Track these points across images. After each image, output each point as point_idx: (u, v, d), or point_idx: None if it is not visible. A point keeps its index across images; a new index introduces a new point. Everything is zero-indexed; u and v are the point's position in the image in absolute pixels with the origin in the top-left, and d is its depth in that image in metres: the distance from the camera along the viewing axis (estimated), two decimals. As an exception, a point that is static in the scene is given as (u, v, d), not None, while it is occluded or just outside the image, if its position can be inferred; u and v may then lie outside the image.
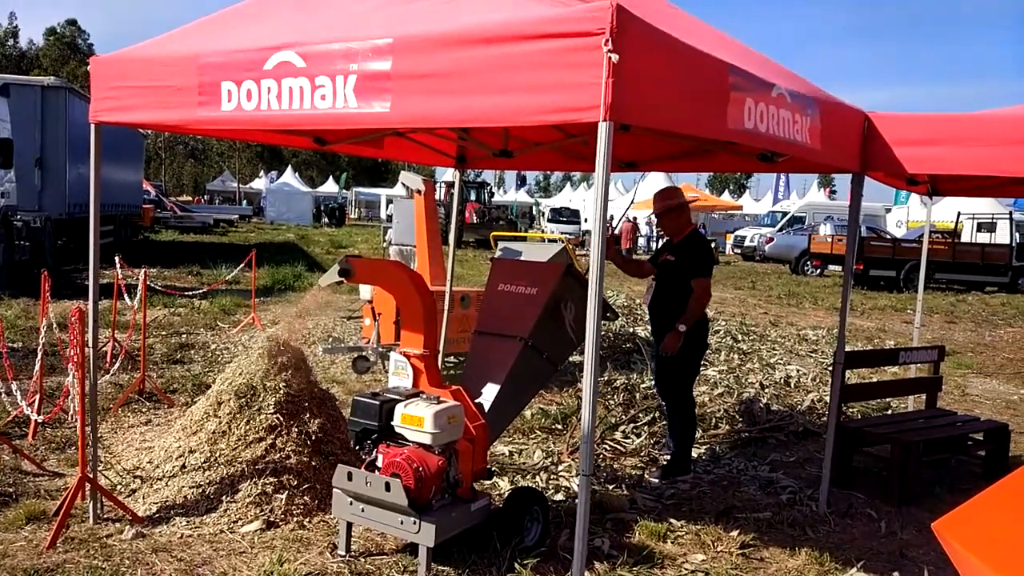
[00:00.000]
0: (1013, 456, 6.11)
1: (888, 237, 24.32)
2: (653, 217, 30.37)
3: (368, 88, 3.13)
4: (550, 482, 5.17)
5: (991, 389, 9.11)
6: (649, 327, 9.84)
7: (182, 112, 3.73)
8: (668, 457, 5.67)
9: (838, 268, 23.77)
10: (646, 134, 4.31)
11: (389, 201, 34.44)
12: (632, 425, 6.36)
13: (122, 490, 4.64)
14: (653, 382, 7.40)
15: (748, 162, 4.71)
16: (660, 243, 33.81)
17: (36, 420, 5.51)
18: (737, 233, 34.16)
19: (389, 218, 26.39)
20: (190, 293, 11.55)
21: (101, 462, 4.69)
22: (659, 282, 5.60)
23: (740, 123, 3.41)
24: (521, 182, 52.29)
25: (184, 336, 9.69)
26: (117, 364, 7.11)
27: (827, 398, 7.07)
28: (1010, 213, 23.58)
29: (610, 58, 2.65)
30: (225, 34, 3.79)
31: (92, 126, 4.10)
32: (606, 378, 7.38)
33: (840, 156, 4.37)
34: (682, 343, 5.36)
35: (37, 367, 5.60)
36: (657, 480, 5.38)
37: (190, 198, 53.89)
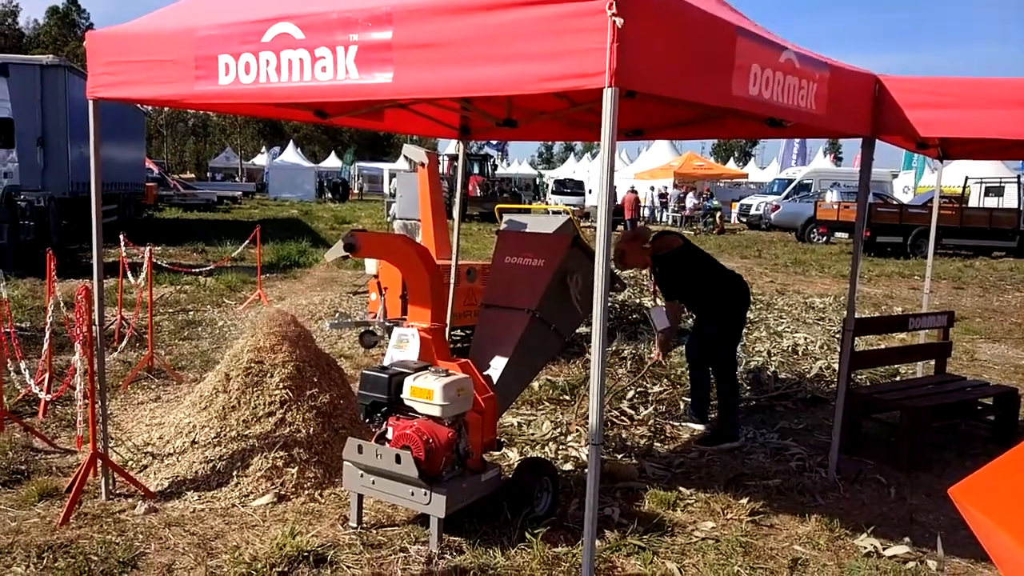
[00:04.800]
0: (1023, 421, 6.09)
1: (895, 203, 24.15)
2: (665, 188, 30.07)
3: (370, 59, 3.08)
4: (559, 452, 5.19)
5: (1000, 354, 9.09)
6: (657, 299, 9.88)
7: (179, 87, 3.68)
8: (688, 425, 5.81)
9: (844, 235, 23.64)
10: (652, 101, 4.25)
11: (392, 175, 34.31)
12: (640, 395, 6.35)
13: (133, 466, 4.67)
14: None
15: (756, 128, 4.65)
16: (664, 214, 33.56)
17: (45, 399, 5.53)
18: (743, 201, 33.95)
19: (392, 193, 26.33)
20: (196, 270, 11.56)
21: (112, 439, 4.71)
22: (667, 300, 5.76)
23: (745, 90, 3.35)
24: (503, 154, 50.14)
25: (191, 313, 9.71)
26: (124, 342, 7.12)
27: (835, 365, 7.07)
28: (1018, 177, 23.36)
29: (615, 22, 2.59)
30: (221, 7, 3.73)
31: (90, 102, 4.06)
32: (613, 348, 7.38)
33: (850, 121, 4.31)
34: (711, 321, 5.63)
35: (46, 346, 5.61)
36: (704, 447, 5.44)
37: (193, 175, 53.77)
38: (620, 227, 25.40)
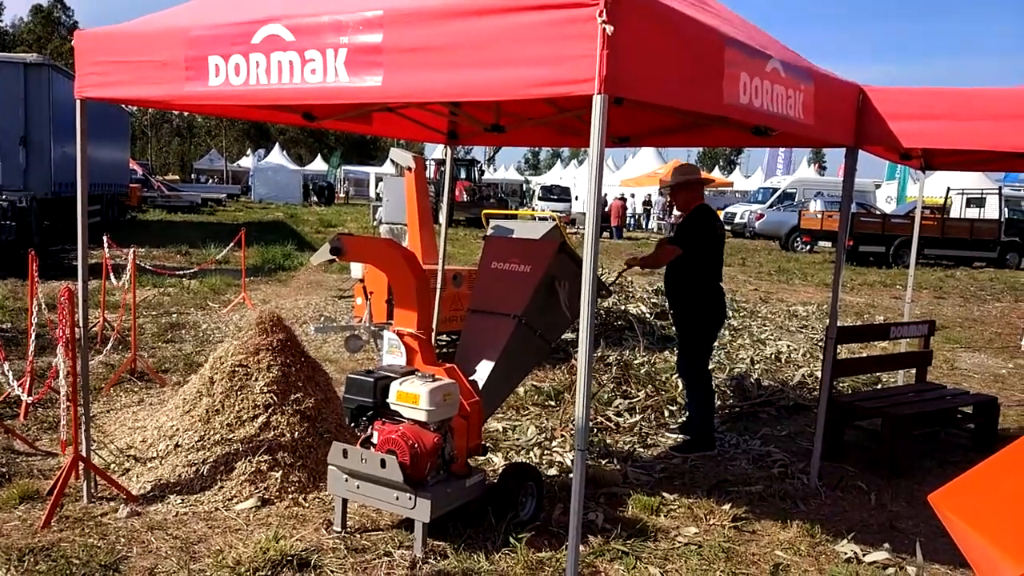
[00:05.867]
0: (1002, 429, 6.17)
1: (878, 213, 24.39)
2: (650, 195, 30.24)
3: (359, 62, 3.09)
4: (544, 457, 5.19)
5: (980, 363, 9.19)
6: (641, 306, 9.92)
7: (169, 87, 3.67)
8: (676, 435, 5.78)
9: (828, 244, 23.84)
10: (639, 108, 4.28)
11: (378, 179, 34.27)
12: (625, 401, 6.38)
13: (116, 469, 4.63)
14: (646, 359, 7.45)
15: (742, 136, 4.69)
16: (652, 221, 33.60)
17: (26, 401, 5.48)
18: (727, 210, 34.17)
19: (378, 196, 26.29)
20: (179, 273, 11.50)
21: (94, 441, 4.67)
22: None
23: (736, 98, 3.38)
24: (492, 159, 50.11)
25: (174, 316, 9.65)
26: (109, 345, 7.08)
27: (817, 373, 7.12)
28: (999, 188, 23.66)
29: (604, 29, 2.61)
30: (212, 9, 3.73)
31: (77, 102, 4.04)
32: (599, 355, 7.40)
33: (834, 130, 4.36)
34: (689, 319, 5.51)
35: (31, 348, 5.56)
36: (678, 455, 5.42)
37: (177, 177, 53.46)
38: (605, 233, 25.47)
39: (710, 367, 7.46)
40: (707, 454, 5.46)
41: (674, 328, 6.11)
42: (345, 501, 4.00)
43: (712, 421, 5.66)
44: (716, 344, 8.71)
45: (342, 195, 52.63)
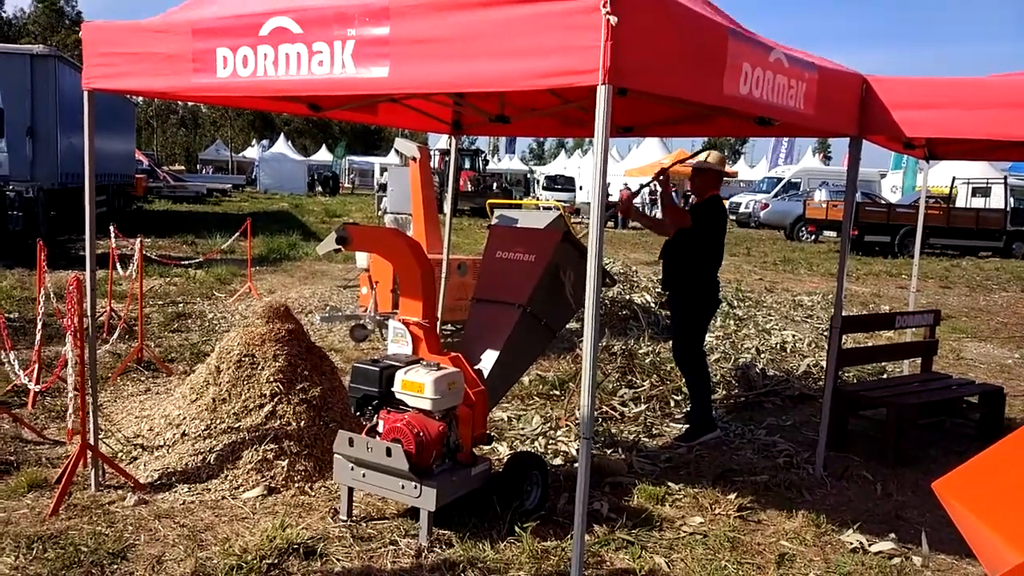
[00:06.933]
0: (1008, 419, 6.16)
1: (883, 203, 24.31)
2: (655, 185, 30.43)
3: (366, 53, 3.11)
4: (549, 447, 5.22)
5: (986, 353, 9.18)
6: (646, 295, 9.92)
7: (176, 79, 3.69)
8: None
9: (833, 234, 23.78)
10: (643, 98, 4.27)
11: (383, 170, 34.24)
12: (630, 391, 6.39)
13: (123, 458, 4.67)
14: (651, 348, 7.46)
15: (746, 126, 4.68)
16: (656, 211, 33.71)
17: (34, 390, 5.52)
18: (732, 200, 34.06)
19: (382, 187, 26.28)
20: (186, 263, 11.54)
21: (101, 430, 4.70)
22: (675, 236, 5.67)
23: (736, 89, 3.38)
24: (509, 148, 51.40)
25: (181, 305, 9.69)
26: (117, 334, 7.11)
27: (823, 363, 7.13)
28: (1005, 178, 23.55)
29: (608, 20, 2.62)
30: (219, 3, 3.74)
31: (85, 93, 4.05)
32: (604, 344, 7.41)
33: (838, 120, 4.35)
34: (681, 303, 5.54)
35: (37, 337, 5.60)
36: (684, 444, 5.44)
37: (183, 167, 53.51)
38: (610, 223, 25.45)
39: (715, 357, 7.52)
40: (712, 440, 5.49)
41: (668, 314, 6.11)
42: (351, 489, 4.03)
43: (710, 403, 5.69)
44: (721, 334, 8.74)
45: (347, 185, 52.66)
